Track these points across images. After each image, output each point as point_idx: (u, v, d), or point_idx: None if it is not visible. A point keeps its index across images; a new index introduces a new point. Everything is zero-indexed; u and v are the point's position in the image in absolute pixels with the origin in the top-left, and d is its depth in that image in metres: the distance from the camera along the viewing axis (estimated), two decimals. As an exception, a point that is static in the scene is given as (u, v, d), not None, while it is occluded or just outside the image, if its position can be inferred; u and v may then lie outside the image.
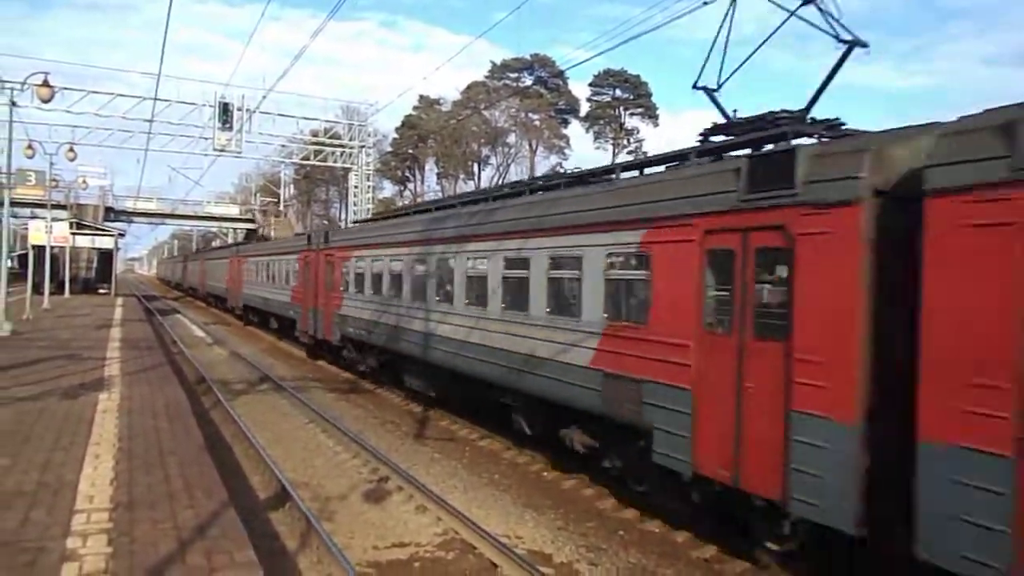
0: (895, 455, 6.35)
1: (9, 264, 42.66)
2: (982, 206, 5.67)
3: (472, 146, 79.37)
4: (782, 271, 7.75)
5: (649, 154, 14.04)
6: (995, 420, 5.55)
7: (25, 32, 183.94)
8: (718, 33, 9.58)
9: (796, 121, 8.72)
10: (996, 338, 5.57)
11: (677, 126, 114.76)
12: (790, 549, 7.93)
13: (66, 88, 43.07)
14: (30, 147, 34.10)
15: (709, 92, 10.02)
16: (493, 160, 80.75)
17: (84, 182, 55.74)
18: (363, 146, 55.45)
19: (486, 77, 79.42)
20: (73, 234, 49.54)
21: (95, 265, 58.59)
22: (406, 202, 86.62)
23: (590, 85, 78.48)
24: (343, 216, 72.90)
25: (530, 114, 77.02)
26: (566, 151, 79.92)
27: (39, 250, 42.66)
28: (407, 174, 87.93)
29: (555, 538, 9.53)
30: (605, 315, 10.10)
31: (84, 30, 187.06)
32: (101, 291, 53.71)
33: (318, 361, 25.33)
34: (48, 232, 40.87)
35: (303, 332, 26.05)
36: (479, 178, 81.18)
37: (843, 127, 8.65)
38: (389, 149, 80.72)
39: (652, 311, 9.22)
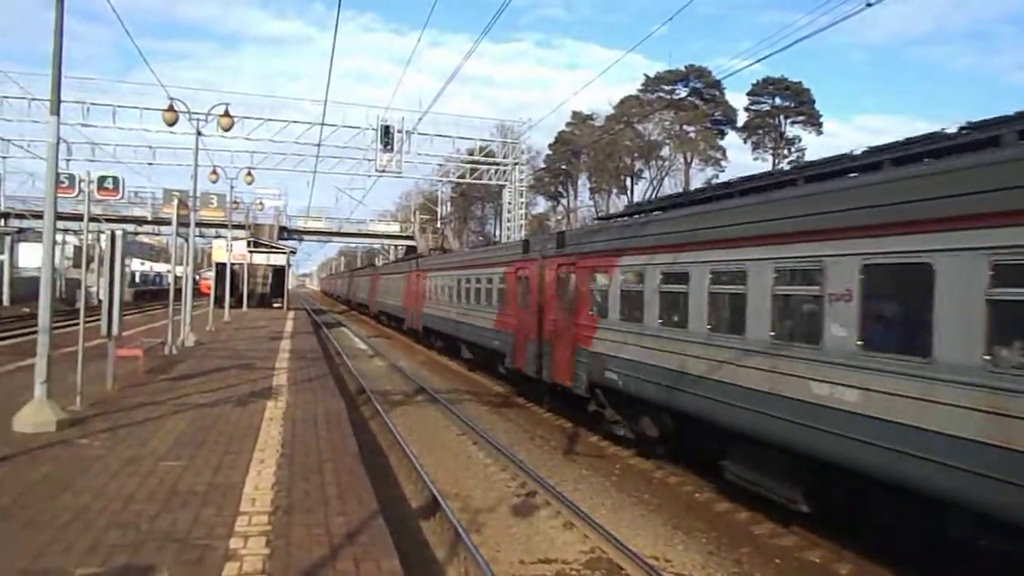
0: None
1: (196, 279, 46.32)
2: None
3: (625, 160, 78.87)
4: None
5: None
6: None
7: (218, 68, 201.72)
8: None
9: None
10: None
11: (847, 133, 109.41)
12: None
13: (245, 117, 46.72)
14: (214, 172, 37.06)
15: None
16: (646, 174, 79.91)
17: (261, 204, 60.02)
18: (516, 163, 56.48)
19: (639, 90, 78.83)
20: (251, 252, 53.43)
21: (270, 281, 62.60)
22: (559, 219, 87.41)
23: (748, 94, 76.25)
24: (497, 233, 74.14)
25: (685, 126, 75.62)
26: (722, 163, 77.92)
27: (221, 267, 46.20)
28: (560, 189, 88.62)
29: (706, 563, 9.16)
30: None
31: (266, 63, 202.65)
32: (275, 305, 57.25)
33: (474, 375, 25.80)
34: (229, 251, 44.23)
35: None
36: (632, 192, 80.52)
37: None
38: (542, 165, 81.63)
39: None
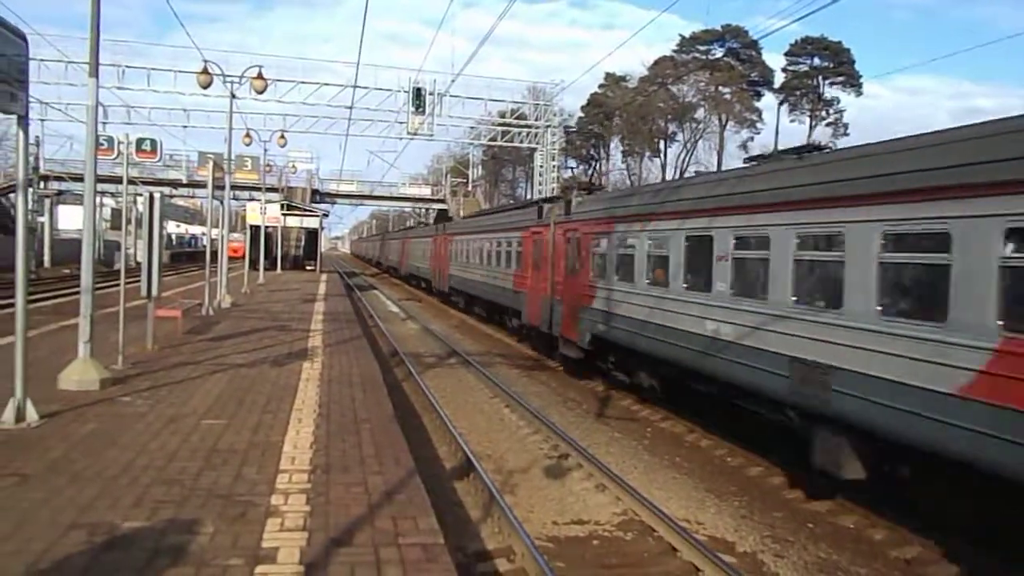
0: None
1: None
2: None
3: (659, 123, 77.87)
4: None
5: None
6: None
7: (251, 30, 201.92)
8: None
9: None
10: None
11: (886, 94, 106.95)
12: None
13: (278, 80, 46.76)
14: (248, 135, 37.36)
15: None
16: (680, 136, 78.88)
17: (294, 167, 60.36)
18: (548, 125, 56.03)
19: (674, 51, 77.57)
20: (284, 215, 53.83)
21: (303, 243, 63.04)
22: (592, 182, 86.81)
23: (786, 55, 74.72)
24: (528, 196, 73.79)
25: (720, 87, 74.35)
26: (758, 125, 76.59)
27: (255, 230, 46.58)
28: (592, 152, 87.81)
29: (738, 526, 9.19)
30: None
31: (298, 25, 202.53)
32: (308, 268, 57.80)
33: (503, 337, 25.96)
34: (263, 213, 44.56)
35: None
36: (665, 155, 79.56)
37: None
38: (574, 128, 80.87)
39: None
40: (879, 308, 8.15)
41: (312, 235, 60.74)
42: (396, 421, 10.10)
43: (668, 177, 68.21)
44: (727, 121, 75.76)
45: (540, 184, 55.58)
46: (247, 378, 12.67)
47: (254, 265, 42.21)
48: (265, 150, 43.59)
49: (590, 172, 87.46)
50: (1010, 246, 6.74)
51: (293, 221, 56.72)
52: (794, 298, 9.59)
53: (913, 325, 7.67)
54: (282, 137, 40.47)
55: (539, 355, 21.89)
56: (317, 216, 58.53)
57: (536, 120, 56.26)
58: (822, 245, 9.23)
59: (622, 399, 16.16)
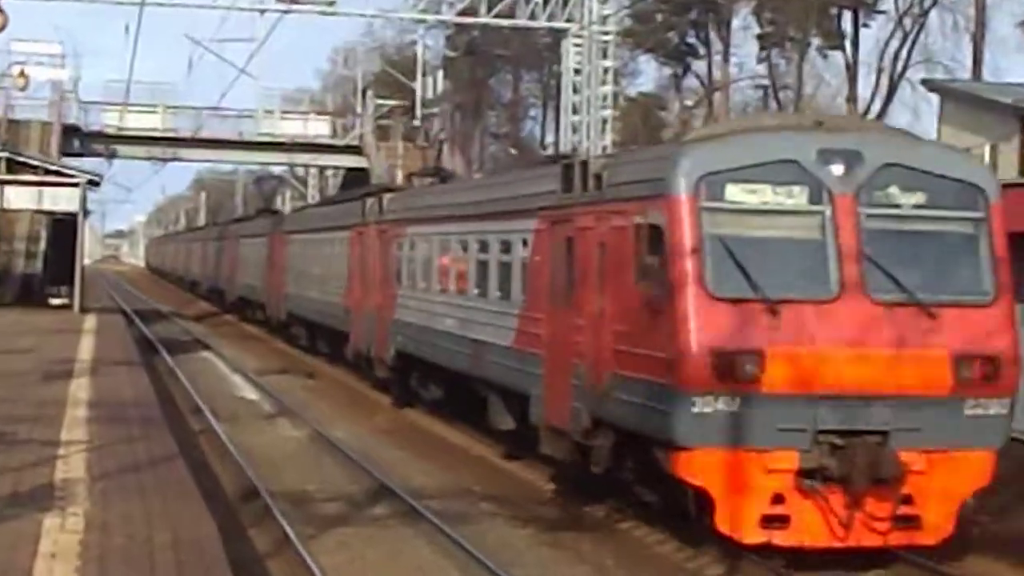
0: None
1: None
2: None
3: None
4: None
5: None
6: None
7: None
8: None
9: None
10: None
11: None
12: None
13: None
14: (-84, 4, 37.40)
15: None
16: (888, 4, 79.20)
17: (22, 74, 60.35)
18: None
19: None
20: (1, 183, 53.70)
21: (42, 247, 62.97)
22: (690, 106, 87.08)
23: None
24: (553, 138, 73.94)
25: None
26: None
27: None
28: (690, 43, 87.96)
29: None
30: None
31: None
32: (54, 300, 57.76)
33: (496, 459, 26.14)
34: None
35: None
36: (856, 46, 79.87)
37: None
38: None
39: None
40: (499, 294, 25.83)
41: (64, 228, 60.87)
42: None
43: (860, 89, 69.03)
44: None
45: (576, 113, 55.59)
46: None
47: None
48: (-51, 33, 43.91)
49: (681, 80, 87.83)
50: (527, 250, 24.18)
51: (20, 197, 56.78)
52: (476, 291, 27.11)
53: (506, 304, 25.16)
54: (-2, 11, 40.78)
55: (572, 497, 22.03)
56: (76, 185, 58.62)
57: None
58: (482, 249, 26.75)
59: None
